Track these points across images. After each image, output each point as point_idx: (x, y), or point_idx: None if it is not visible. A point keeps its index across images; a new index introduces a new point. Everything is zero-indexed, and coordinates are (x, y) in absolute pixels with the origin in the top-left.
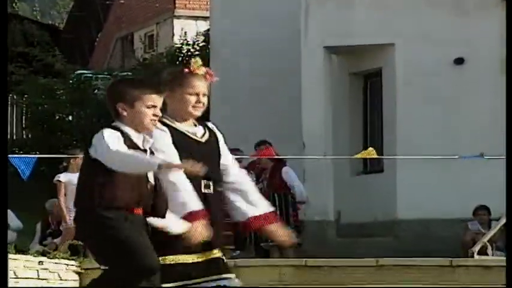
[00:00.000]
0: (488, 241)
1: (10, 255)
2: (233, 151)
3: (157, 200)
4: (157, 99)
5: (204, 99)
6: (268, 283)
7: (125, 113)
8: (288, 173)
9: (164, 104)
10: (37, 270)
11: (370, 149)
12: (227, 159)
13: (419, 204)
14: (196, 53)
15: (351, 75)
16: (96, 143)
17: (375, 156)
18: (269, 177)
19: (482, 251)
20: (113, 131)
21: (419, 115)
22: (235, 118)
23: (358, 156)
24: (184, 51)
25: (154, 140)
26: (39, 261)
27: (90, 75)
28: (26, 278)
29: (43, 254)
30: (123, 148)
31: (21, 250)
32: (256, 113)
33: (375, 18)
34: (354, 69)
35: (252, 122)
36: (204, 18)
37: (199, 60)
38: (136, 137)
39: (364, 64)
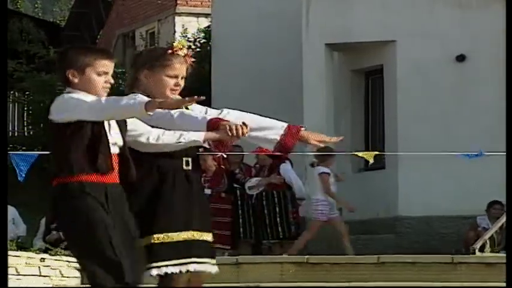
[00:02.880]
0: (489, 238)
1: (12, 252)
2: (234, 147)
3: (126, 162)
4: (109, 66)
5: (182, 82)
6: (269, 280)
7: (76, 80)
8: (286, 170)
9: (136, 80)
10: (39, 267)
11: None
12: (201, 111)
13: (420, 201)
14: (197, 49)
15: (352, 72)
16: (59, 106)
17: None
18: (268, 174)
19: (484, 248)
20: (70, 93)
21: (420, 112)
22: None
23: (360, 154)
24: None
25: None
26: (41, 258)
27: None
28: (28, 275)
29: (45, 251)
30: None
31: (23, 247)
32: (257, 110)
33: (376, 16)
34: (355, 66)
35: None
36: (206, 15)
37: (183, 41)
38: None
39: (366, 61)
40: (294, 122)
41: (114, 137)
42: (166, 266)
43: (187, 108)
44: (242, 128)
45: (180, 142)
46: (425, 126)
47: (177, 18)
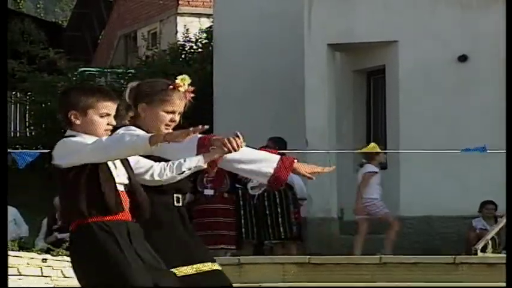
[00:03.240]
0: (491, 239)
1: (14, 253)
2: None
3: (137, 199)
4: (111, 108)
5: (178, 118)
6: (271, 281)
7: (77, 122)
8: None
9: (136, 112)
10: (40, 268)
11: (373, 144)
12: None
13: (422, 201)
14: (199, 50)
15: (354, 72)
16: (61, 150)
17: (378, 150)
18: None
19: (486, 249)
20: (71, 136)
21: (422, 112)
22: (238, 115)
23: (362, 150)
24: (187, 49)
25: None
26: (43, 259)
27: (94, 72)
28: (30, 275)
29: (47, 251)
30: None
31: (25, 247)
32: (259, 110)
33: (378, 16)
34: (357, 66)
35: (255, 119)
36: (207, 15)
37: (186, 78)
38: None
39: (368, 62)
40: (296, 122)
41: (121, 177)
42: None
43: None
44: (236, 140)
45: (183, 172)
46: (427, 127)
47: (179, 19)
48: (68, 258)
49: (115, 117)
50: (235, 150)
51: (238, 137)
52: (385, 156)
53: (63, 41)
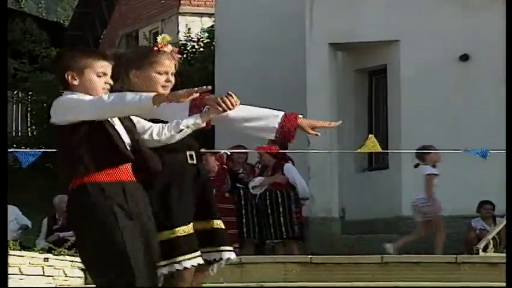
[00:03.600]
0: (492, 239)
1: (15, 252)
2: (236, 147)
3: (145, 154)
4: (107, 67)
5: (172, 78)
6: (273, 280)
7: (75, 82)
8: (290, 170)
9: (128, 80)
10: (42, 267)
11: (370, 136)
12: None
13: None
14: (201, 49)
15: (356, 72)
16: (59, 108)
17: (378, 147)
18: (271, 174)
19: (487, 248)
20: (69, 95)
21: (424, 112)
22: None
23: (363, 149)
24: (188, 48)
25: None
26: (45, 258)
27: None
28: (31, 275)
29: (48, 250)
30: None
31: (26, 247)
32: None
33: (380, 15)
34: (359, 66)
35: None
36: (209, 15)
37: (166, 37)
38: None
39: (369, 61)
40: None
41: (124, 138)
42: (188, 259)
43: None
44: (229, 99)
45: (181, 130)
46: (429, 126)
47: (180, 18)
48: (70, 258)
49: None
50: (229, 109)
51: (231, 95)
52: (439, 156)
53: (65, 41)
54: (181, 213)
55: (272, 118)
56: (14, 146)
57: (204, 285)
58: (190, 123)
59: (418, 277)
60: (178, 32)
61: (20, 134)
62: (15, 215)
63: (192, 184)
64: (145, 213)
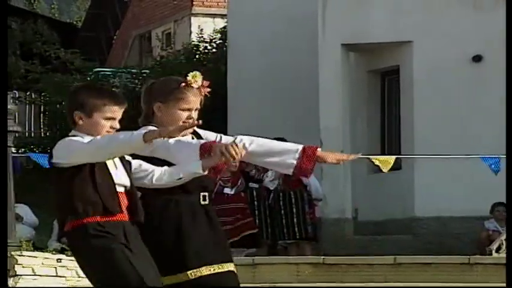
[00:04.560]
0: (505, 240)
1: (28, 253)
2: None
3: (135, 201)
4: (117, 111)
5: (195, 115)
6: (286, 281)
7: (81, 122)
8: None
9: (151, 112)
10: (55, 268)
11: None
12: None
13: (436, 202)
14: (213, 50)
15: (368, 73)
16: (60, 150)
17: (391, 163)
18: (284, 175)
19: (500, 249)
20: (74, 137)
21: (437, 113)
22: (252, 116)
23: (375, 160)
24: (201, 49)
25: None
26: (58, 259)
27: (108, 72)
28: (44, 276)
29: (61, 251)
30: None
31: (40, 247)
32: (273, 110)
33: (393, 16)
34: (372, 67)
35: (269, 119)
36: (222, 15)
37: (197, 74)
38: None
39: (382, 62)
40: (310, 122)
41: (121, 178)
42: None
43: (198, 136)
44: (234, 149)
45: (181, 178)
46: (442, 127)
47: (193, 19)
48: None
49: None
50: (233, 159)
51: (236, 145)
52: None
53: (78, 42)
54: (194, 256)
55: (290, 154)
56: (28, 147)
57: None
58: (190, 172)
59: (430, 278)
60: (190, 32)
61: (32, 134)
62: (24, 214)
63: (204, 226)
64: (145, 252)
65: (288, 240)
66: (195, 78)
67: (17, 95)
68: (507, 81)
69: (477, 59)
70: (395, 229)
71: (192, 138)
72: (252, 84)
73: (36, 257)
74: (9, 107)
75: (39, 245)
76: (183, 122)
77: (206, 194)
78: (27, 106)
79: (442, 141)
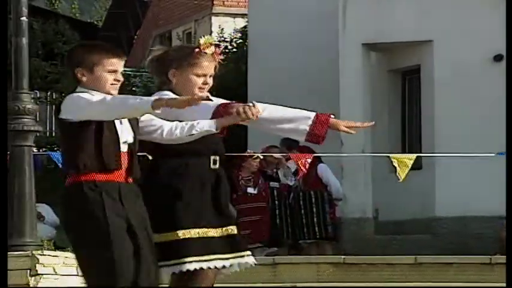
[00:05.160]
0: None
1: (50, 252)
2: (271, 148)
3: (133, 159)
4: (118, 64)
5: (210, 80)
6: (306, 280)
7: (84, 78)
8: (323, 170)
9: (167, 79)
10: (76, 267)
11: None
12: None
13: (457, 201)
14: (234, 50)
15: (389, 72)
16: (68, 105)
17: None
18: (305, 174)
19: None
20: (80, 92)
21: (458, 112)
22: None
23: (394, 158)
24: (222, 49)
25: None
26: None
27: (129, 72)
28: (65, 275)
29: None
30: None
31: (61, 247)
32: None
33: (413, 15)
34: (392, 66)
35: None
36: (242, 15)
37: (209, 38)
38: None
39: (403, 61)
40: None
41: (126, 135)
42: (197, 261)
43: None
44: (251, 109)
45: (192, 134)
46: (463, 126)
47: (213, 19)
48: None
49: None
50: (249, 119)
51: (253, 105)
52: None
53: (99, 41)
54: (193, 217)
55: (303, 120)
56: (48, 146)
57: (239, 284)
58: (204, 129)
59: (451, 278)
60: (211, 32)
61: (53, 134)
62: (46, 212)
63: (211, 189)
64: (139, 215)
65: (308, 239)
66: (208, 42)
67: (38, 95)
68: (507, 81)
69: (498, 58)
70: (416, 229)
71: None
72: (272, 84)
73: (57, 256)
74: (30, 106)
75: (60, 245)
76: (199, 88)
77: (217, 157)
78: (48, 106)
79: (463, 140)
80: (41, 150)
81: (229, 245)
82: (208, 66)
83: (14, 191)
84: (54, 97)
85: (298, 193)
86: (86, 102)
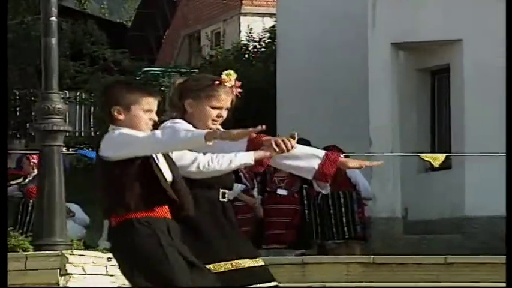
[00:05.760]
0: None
1: (79, 252)
2: None
3: (181, 196)
4: (153, 103)
5: (225, 114)
6: (335, 280)
7: (120, 117)
8: (352, 170)
9: (183, 107)
10: (105, 266)
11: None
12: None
13: (487, 201)
14: (263, 49)
15: (417, 71)
16: (109, 143)
17: (441, 159)
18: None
19: None
20: (118, 130)
21: (487, 111)
22: (302, 114)
23: (425, 157)
24: (250, 48)
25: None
26: (108, 258)
27: (158, 72)
28: (95, 274)
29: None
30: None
31: (90, 246)
32: (322, 109)
33: (443, 14)
34: (421, 65)
35: (318, 118)
36: (270, 14)
37: (231, 73)
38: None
39: (432, 60)
40: (359, 121)
41: (165, 172)
42: None
43: None
44: (289, 141)
45: (231, 166)
46: (492, 126)
47: (242, 18)
48: None
49: (159, 113)
50: (287, 151)
51: (293, 138)
52: None
53: (127, 41)
54: (212, 251)
55: (312, 159)
56: (78, 146)
57: (266, 285)
58: (242, 162)
59: (481, 278)
60: (240, 32)
61: (82, 134)
62: (75, 210)
63: (222, 222)
64: (185, 248)
65: (337, 239)
66: (229, 77)
67: (67, 95)
68: (507, 81)
69: None
70: (446, 228)
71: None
72: (301, 83)
73: (86, 255)
74: (59, 106)
75: (89, 244)
76: (213, 119)
77: (226, 191)
78: (77, 106)
79: (493, 140)
80: (70, 150)
81: (261, 273)
82: (225, 100)
83: (44, 191)
84: (83, 97)
85: (327, 193)
86: (132, 138)
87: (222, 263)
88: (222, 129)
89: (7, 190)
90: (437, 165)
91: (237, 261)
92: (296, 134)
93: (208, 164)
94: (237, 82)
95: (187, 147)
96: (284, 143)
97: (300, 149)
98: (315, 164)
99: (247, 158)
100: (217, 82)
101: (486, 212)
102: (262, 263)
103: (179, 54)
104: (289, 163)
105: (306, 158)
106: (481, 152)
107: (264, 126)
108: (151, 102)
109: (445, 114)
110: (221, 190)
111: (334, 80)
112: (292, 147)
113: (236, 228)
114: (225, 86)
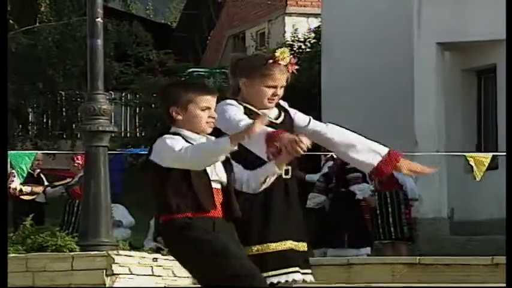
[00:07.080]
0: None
1: (125, 252)
2: None
3: (231, 199)
4: (211, 101)
5: (281, 92)
6: (380, 281)
7: (179, 117)
8: None
9: (237, 88)
10: (151, 267)
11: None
12: (304, 121)
13: None
14: (308, 49)
15: (463, 71)
16: (158, 149)
17: (485, 165)
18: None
19: None
20: (173, 136)
21: None
22: (348, 114)
23: (472, 157)
24: (295, 48)
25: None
26: (154, 258)
27: (203, 72)
28: (141, 275)
29: (157, 250)
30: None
31: (136, 247)
32: (368, 109)
33: (488, 14)
34: (467, 65)
35: (363, 118)
36: (315, 15)
37: (285, 50)
38: (198, 139)
39: (477, 60)
40: (405, 121)
41: (219, 174)
42: (273, 276)
43: (289, 116)
44: (297, 144)
45: (263, 183)
46: None
47: (287, 19)
48: None
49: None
50: (298, 156)
51: (301, 140)
52: None
53: (172, 42)
54: (265, 230)
55: (373, 155)
56: (124, 146)
57: (311, 285)
58: (272, 178)
59: None
60: (284, 32)
61: (128, 135)
62: (119, 216)
63: (283, 202)
64: (234, 238)
65: (384, 240)
66: (283, 55)
67: (112, 96)
68: (507, 81)
69: None
70: (492, 229)
71: (282, 117)
72: (346, 84)
73: (132, 256)
74: (104, 107)
75: (135, 245)
76: (269, 99)
77: (289, 168)
78: (122, 107)
79: None
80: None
81: (303, 260)
82: (280, 78)
83: (89, 191)
84: (128, 98)
85: (373, 193)
86: (168, 154)
87: (282, 242)
88: (246, 128)
89: (7, 190)
90: (479, 176)
91: (296, 242)
92: (328, 124)
93: (248, 184)
94: (292, 59)
95: (217, 156)
96: (292, 146)
97: (363, 142)
98: (375, 160)
99: (273, 171)
100: (271, 61)
101: None
102: (305, 249)
103: (224, 55)
104: (350, 154)
105: (367, 153)
106: None
107: (266, 114)
108: (208, 100)
109: (491, 114)
110: (284, 167)
111: (379, 80)
112: (300, 149)
113: (297, 208)
114: (280, 64)
